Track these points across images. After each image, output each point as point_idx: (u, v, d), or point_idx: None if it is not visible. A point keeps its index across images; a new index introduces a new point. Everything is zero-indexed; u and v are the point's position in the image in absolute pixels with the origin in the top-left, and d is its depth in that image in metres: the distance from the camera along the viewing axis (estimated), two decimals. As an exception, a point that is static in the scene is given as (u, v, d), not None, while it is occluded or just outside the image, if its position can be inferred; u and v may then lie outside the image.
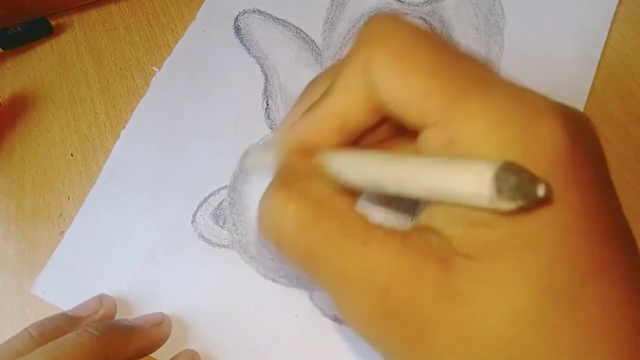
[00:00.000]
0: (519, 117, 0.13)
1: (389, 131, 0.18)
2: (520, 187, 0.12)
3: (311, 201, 0.16)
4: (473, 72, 0.14)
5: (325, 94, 0.17)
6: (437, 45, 0.15)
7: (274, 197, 0.16)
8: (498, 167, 0.12)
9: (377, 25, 0.16)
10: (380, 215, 0.24)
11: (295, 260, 0.16)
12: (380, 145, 0.18)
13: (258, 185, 0.31)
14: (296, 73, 0.33)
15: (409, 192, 0.14)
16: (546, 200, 0.13)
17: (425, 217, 0.15)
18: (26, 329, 0.25)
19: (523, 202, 0.12)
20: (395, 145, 0.19)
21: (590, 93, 0.31)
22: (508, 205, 0.12)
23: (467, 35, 0.33)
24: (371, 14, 0.34)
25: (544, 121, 0.13)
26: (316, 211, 0.15)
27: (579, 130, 0.14)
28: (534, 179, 0.12)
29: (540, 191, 0.12)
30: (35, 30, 0.37)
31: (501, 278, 0.13)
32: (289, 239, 0.16)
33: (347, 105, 0.16)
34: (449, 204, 0.14)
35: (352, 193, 0.17)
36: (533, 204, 0.12)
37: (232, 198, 0.31)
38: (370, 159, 0.16)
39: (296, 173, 0.17)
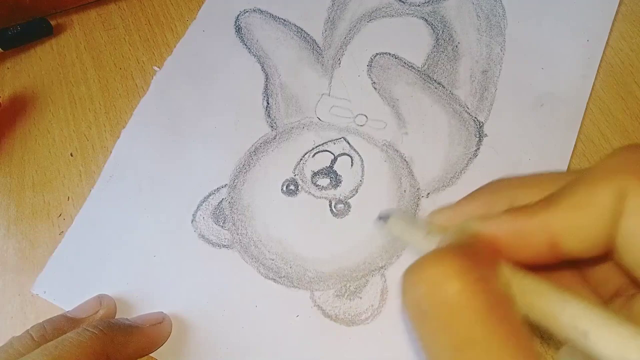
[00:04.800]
0: None
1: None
2: None
3: (489, 291, 0.13)
4: None
5: (549, 205, 0.15)
6: None
7: (444, 262, 0.14)
8: None
9: (631, 156, 0.14)
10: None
11: (442, 339, 0.14)
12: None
13: (259, 184, 0.31)
14: (297, 72, 0.33)
15: None
16: None
17: None
18: (27, 331, 0.25)
19: None
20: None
21: (590, 93, 0.31)
22: None
23: (468, 36, 0.33)
24: (373, 15, 0.34)
25: None
26: (492, 304, 0.13)
27: None
28: None
29: None
30: (35, 30, 0.37)
31: None
32: (447, 312, 0.13)
33: (575, 225, 0.14)
34: None
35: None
36: None
37: (232, 197, 0.31)
38: (579, 306, 0.13)
39: (477, 256, 0.15)
